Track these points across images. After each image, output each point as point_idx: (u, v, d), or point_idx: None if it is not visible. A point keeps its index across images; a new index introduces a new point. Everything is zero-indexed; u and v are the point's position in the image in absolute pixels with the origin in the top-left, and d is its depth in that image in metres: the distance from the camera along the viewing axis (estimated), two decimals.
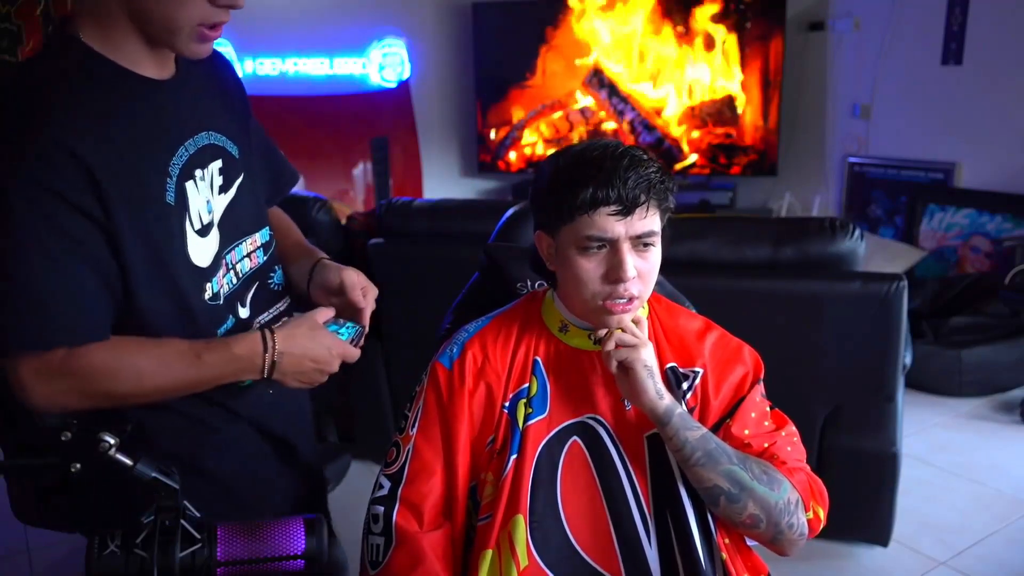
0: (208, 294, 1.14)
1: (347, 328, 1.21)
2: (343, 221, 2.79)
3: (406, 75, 4.96)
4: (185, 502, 0.86)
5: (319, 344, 1.13)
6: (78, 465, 0.87)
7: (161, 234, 1.06)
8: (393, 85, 4.94)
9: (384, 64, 4.91)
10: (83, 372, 1.01)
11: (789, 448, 1.20)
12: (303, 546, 0.87)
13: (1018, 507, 2.56)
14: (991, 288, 3.60)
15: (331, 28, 4.79)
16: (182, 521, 0.84)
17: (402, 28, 4.96)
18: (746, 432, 1.18)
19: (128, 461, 0.85)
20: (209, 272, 1.14)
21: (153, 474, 0.85)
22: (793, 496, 1.14)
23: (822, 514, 1.19)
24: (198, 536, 0.85)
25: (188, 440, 1.17)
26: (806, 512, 1.15)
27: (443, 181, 5.28)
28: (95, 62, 1.02)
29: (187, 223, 1.10)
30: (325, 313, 1.19)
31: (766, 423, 1.21)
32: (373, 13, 4.90)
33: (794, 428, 1.23)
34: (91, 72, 1.02)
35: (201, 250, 1.12)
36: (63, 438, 0.86)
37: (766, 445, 1.18)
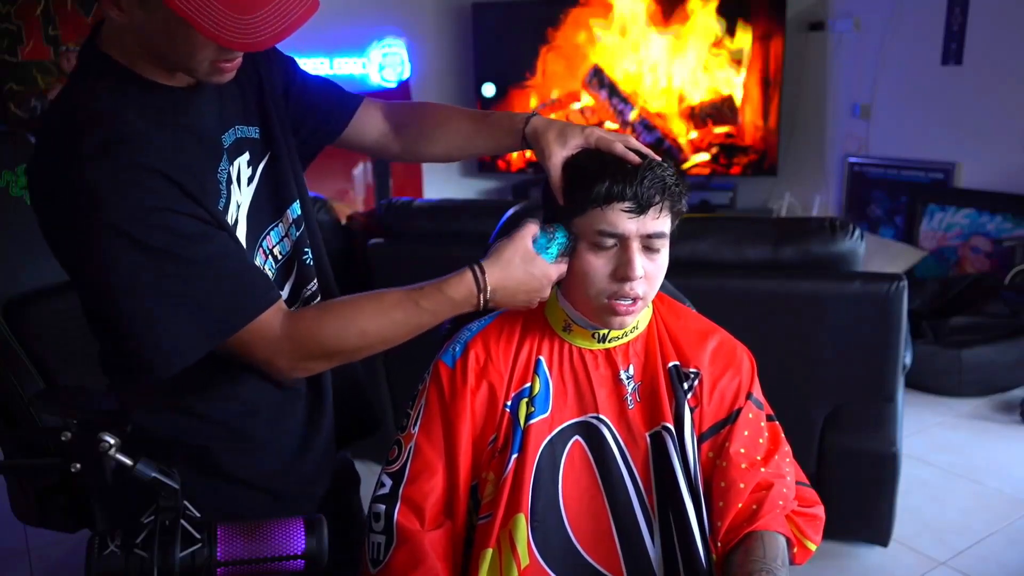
0: None
1: (555, 243, 1.14)
2: (343, 221, 2.78)
3: (406, 75, 4.96)
4: (185, 502, 0.86)
5: (533, 276, 1.13)
6: (78, 465, 0.87)
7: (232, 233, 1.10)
8: (393, 85, 4.93)
9: (384, 64, 4.90)
10: (304, 337, 1.08)
11: (788, 472, 1.22)
12: (303, 546, 0.87)
13: (1018, 507, 2.56)
14: (991, 288, 3.60)
15: (331, 28, 4.78)
16: (182, 521, 0.84)
17: (402, 28, 4.96)
18: (741, 451, 1.19)
19: (128, 461, 0.85)
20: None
21: (153, 474, 0.85)
22: (787, 556, 1.17)
23: (812, 546, 1.22)
24: (198, 536, 0.84)
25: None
26: (791, 548, 1.19)
27: (443, 181, 5.27)
28: (130, 79, 1.03)
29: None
30: (531, 230, 1.14)
31: (760, 440, 1.22)
32: (373, 13, 4.90)
33: (788, 448, 1.25)
34: (128, 88, 1.02)
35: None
36: (63, 438, 0.85)
37: (762, 470, 1.19)
